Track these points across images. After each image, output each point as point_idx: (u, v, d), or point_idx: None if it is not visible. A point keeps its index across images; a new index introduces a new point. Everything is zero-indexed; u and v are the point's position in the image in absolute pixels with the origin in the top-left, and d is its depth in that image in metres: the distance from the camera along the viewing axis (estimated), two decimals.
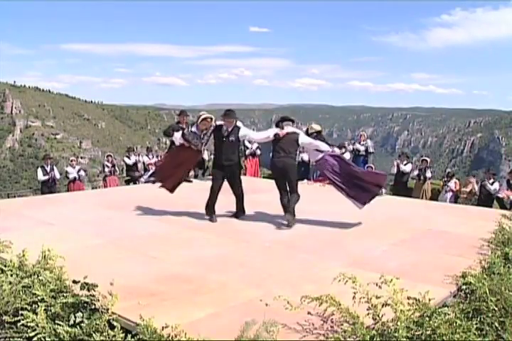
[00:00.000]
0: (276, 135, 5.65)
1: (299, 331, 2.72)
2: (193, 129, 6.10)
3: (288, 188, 5.65)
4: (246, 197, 5.99)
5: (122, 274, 3.60)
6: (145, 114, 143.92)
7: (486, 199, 9.18)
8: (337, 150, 5.89)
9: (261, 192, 7.45)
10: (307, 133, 6.01)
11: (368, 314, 2.60)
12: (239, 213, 6.01)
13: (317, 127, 6.19)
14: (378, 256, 4.38)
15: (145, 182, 10.75)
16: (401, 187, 10.37)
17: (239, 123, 5.90)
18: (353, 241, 4.94)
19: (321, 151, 5.68)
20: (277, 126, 5.73)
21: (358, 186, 5.46)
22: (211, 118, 5.93)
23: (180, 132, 6.22)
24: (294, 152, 5.72)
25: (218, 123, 5.89)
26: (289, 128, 5.70)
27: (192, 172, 9.44)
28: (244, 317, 2.59)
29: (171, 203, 6.71)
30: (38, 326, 2.48)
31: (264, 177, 11.02)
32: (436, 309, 2.58)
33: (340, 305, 2.66)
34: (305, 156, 9.90)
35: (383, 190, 6.62)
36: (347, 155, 11.29)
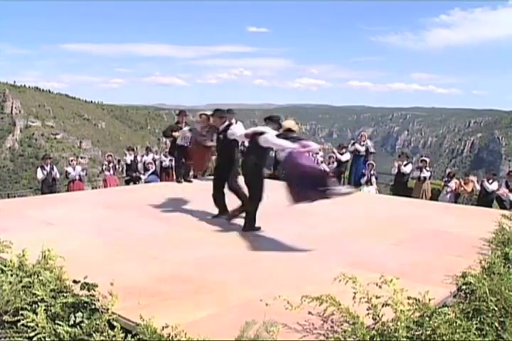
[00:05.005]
0: (245, 135, 5.54)
1: (299, 331, 2.72)
2: (195, 126, 6.75)
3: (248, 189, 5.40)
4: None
5: (122, 274, 3.60)
6: (145, 114, 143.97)
7: (485, 199, 9.18)
8: (314, 146, 5.28)
9: None
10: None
11: (368, 314, 2.60)
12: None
13: (288, 124, 5.48)
14: (378, 256, 4.38)
15: (145, 181, 10.78)
16: (401, 187, 10.37)
17: (238, 123, 5.94)
18: (353, 241, 4.94)
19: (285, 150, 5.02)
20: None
21: (301, 185, 4.67)
22: (205, 115, 6.39)
23: (188, 127, 7.24)
24: (255, 152, 5.32)
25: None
26: (259, 128, 5.49)
27: (192, 173, 9.47)
28: (244, 317, 2.59)
29: (171, 203, 6.72)
30: (38, 326, 2.48)
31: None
32: (436, 309, 2.58)
33: (340, 305, 2.66)
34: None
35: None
36: (347, 156, 11.33)
